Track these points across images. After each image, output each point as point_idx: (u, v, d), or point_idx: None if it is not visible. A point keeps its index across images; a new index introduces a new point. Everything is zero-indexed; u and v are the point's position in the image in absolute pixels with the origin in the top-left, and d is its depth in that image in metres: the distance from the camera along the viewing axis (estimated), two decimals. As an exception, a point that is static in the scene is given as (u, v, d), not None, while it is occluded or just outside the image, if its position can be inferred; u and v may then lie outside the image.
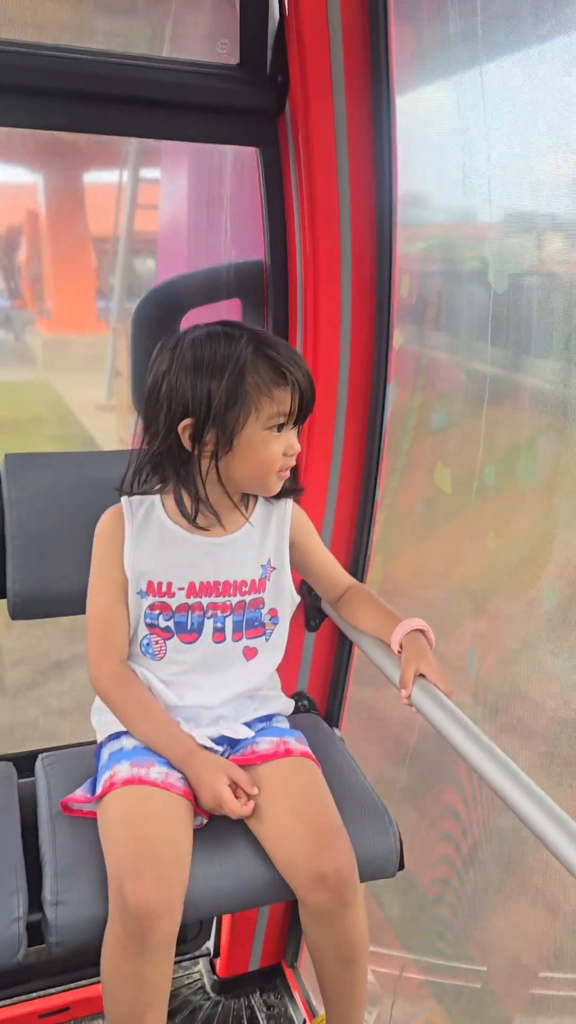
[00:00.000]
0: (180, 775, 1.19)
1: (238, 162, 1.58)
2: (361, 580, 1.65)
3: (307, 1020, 1.79)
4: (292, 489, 1.36)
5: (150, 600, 1.27)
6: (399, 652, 1.27)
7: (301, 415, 1.24)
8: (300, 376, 1.21)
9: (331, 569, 1.43)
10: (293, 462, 1.26)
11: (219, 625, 1.29)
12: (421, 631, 1.28)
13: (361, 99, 1.48)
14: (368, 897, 1.21)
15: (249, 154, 1.58)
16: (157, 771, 1.18)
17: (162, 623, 1.28)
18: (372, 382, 1.59)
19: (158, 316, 1.59)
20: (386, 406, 1.58)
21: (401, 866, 1.26)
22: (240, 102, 1.51)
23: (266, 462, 1.23)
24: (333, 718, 1.74)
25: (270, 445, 1.22)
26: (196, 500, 1.26)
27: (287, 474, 1.27)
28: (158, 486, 1.30)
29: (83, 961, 1.78)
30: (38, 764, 1.38)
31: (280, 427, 1.22)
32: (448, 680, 1.22)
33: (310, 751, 1.29)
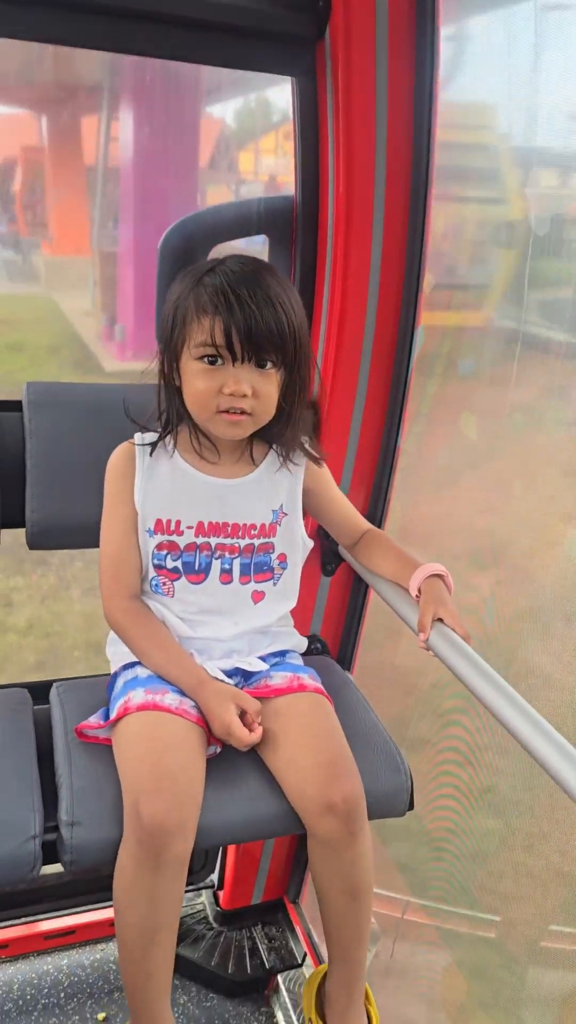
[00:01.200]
0: (194, 703, 1.20)
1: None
2: (379, 527, 1.65)
3: (308, 953, 1.84)
4: (310, 454, 1.33)
5: (158, 539, 1.28)
6: (417, 597, 1.27)
7: (247, 354, 1.17)
8: (240, 311, 1.14)
9: (348, 515, 1.43)
10: (240, 404, 1.18)
11: (226, 567, 1.29)
12: (440, 576, 1.28)
13: (405, 29, 1.43)
14: (375, 840, 1.22)
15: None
16: (171, 698, 1.19)
17: (169, 564, 1.28)
18: (400, 325, 1.56)
19: (184, 249, 1.55)
20: (413, 350, 1.56)
21: (411, 806, 1.28)
22: (277, 27, 1.46)
23: (197, 397, 1.20)
24: (346, 661, 1.75)
25: (199, 378, 1.19)
26: (197, 435, 1.27)
27: (236, 418, 1.20)
28: (170, 426, 1.30)
29: (90, 887, 1.82)
30: (53, 692, 1.40)
31: (213, 360, 1.18)
32: (466, 626, 1.22)
33: (323, 688, 1.30)
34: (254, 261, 1.23)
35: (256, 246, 1.67)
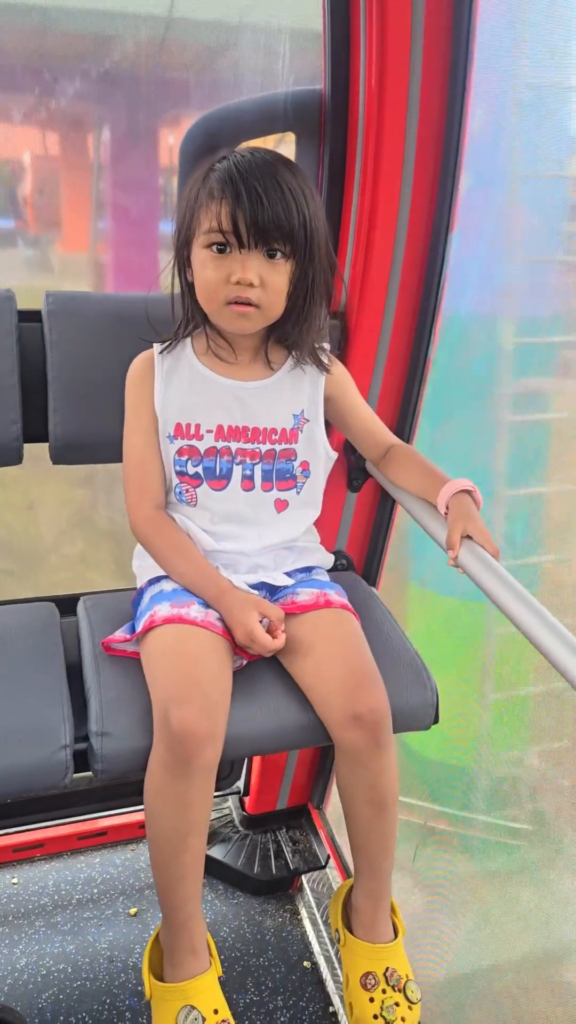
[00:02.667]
0: (218, 615, 1.21)
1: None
2: (408, 442, 1.61)
3: (331, 856, 1.90)
4: (318, 363, 1.30)
5: (179, 444, 1.27)
6: (445, 513, 1.25)
7: (254, 240, 1.14)
8: (247, 196, 1.12)
9: (373, 427, 1.40)
10: (247, 294, 1.16)
11: (248, 472, 1.28)
12: (468, 492, 1.26)
13: None
14: (402, 755, 1.23)
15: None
16: (196, 610, 1.19)
17: (191, 469, 1.27)
18: (433, 230, 1.49)
19: (207, 147, 1.48)
20: (447, 256, 1.49)
21: (436, 719, 1.29)
22: None
23: (205, 287, 1.18)
24: (371, 577, 1.74)
25: (208, 266, 1.17)
26: (213, 335, 1.26)
27: (243, 309, 1.17)
28: (190, 327, 1.28)
29: (119, 792, 1.88)
30: (80, 605, 1.41)
31: (221, 248, 1.15)
32: (495, 543, 1.20)
33: (349, 604, 1.29)
34: (269, 152, 1.19)
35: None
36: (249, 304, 1.17)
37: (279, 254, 1.16)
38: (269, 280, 1.17)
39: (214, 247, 1.16)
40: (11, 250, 2.28)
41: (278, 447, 1.29)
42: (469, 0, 1.36)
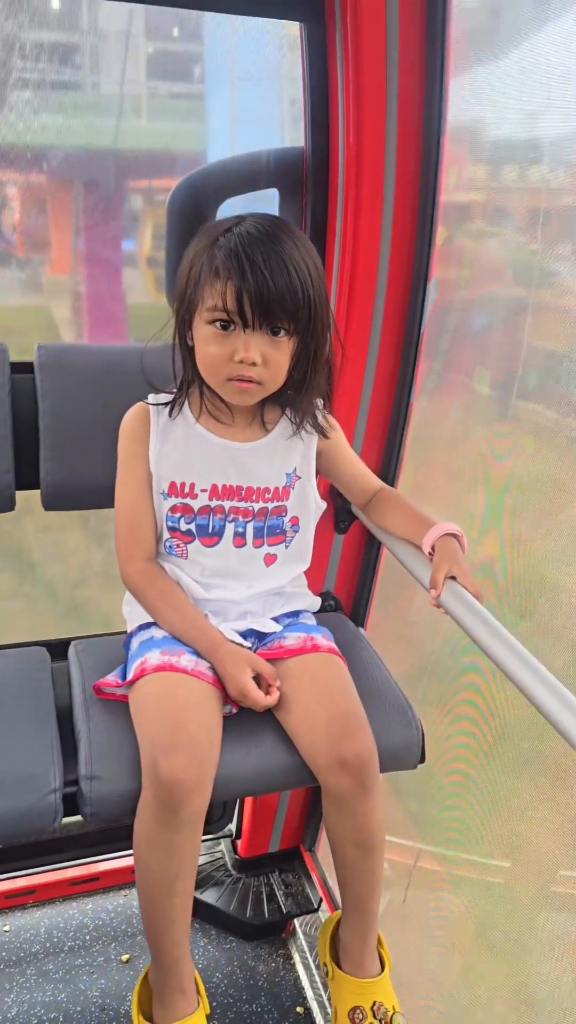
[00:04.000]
0: (209, 664, 1.22)
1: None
2: (392, 485, 1.65)
3: (323, 899, 1.89)
4: (315, 425, 1.32)
5: (172, 501, 1.28)
6: (430, 554, 1.27)
7: (259, 321, 1.14)
8: (253, 276, 1.11)
9: (360, 474, 1.43)
10: (249, 373, 1.17)
11: (240, 530, 1.30)
12: (454, 535, 1.28)
13: (415, -30, 1.38)
14: (388, 794, 1.24)
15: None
16: (187, 659, 1.21)
17: (183, 527, 1.29)
18: (412, 279, 1.54)
19: (193, 204, 1.53)
20: (426, 305, 1.54)
21: (422, 759, 1.30)
22: (286, -29, 1.42)
23: (209, 362, 1.19)
24: (359, 618, 1.76)
25: (210, 343, 1.17)
26: (210, 397, 1.26)
27: (245, 386, 1.18)
28: (188, 388, 1.29)
29: (113, 836, 1.87)
30: (71, 650, 1.42)
31: (224, 325, 1.16)
32: (479, 584, 1.23)
33: (336, 648, 1.31)
34: (273, 222, 1.20)
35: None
36: (251, 381, 1.19)
37: (283, 332, 1.17)
38: (272, 358, 1.18)
39: (217, 323, 1.16)
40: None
41: (270, 505, 1.31)
42: (442, 61, 1.42)
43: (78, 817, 1.18)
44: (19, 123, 1.97)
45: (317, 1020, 1.71)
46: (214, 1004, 1.70)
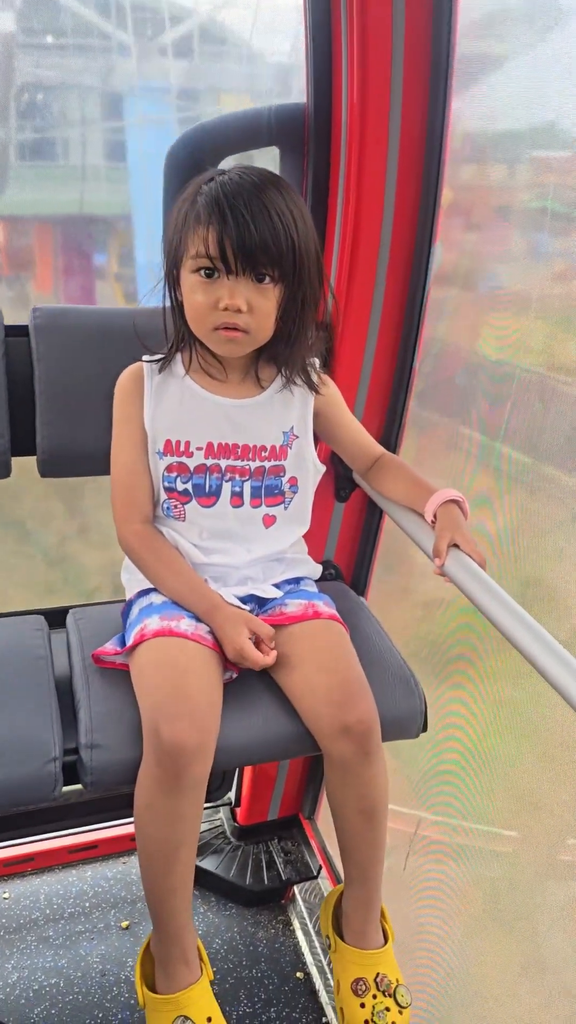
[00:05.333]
0: (208, 628, 1.21)
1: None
2: (394, 452, 1.62)
3: (322, 866, 1.90)
4: (309, 383, 1.30)
5: (168, 460, 1.27)
6: (432, 522, 1.26)
7: (242, 266, 1.13)
8: (234, 221, 1.11)
9: (360, 439, 1.41)
10: (235, 320, 1.15)
11: (237, 489, 1.28)
12: (456, 502, 1.27)
13: None
14: (391, 761, 1.24)
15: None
16: (187, 624, 1.20)
17: (180, 486, 1.27)
18: (416, 242, 1.50)
19: (190, 162, 1.49)
20: (430, 268, 1.51)
21: (425, 727, 1.29)
22: None
23: (194, 311, 1.18)
24: (360, 586, 1.75)
25: (196, 291, 1.16)
26: (203, 353, 1.25)
27: (232, 334, 1.17)
28: (180, 345, 1.28)
29: (111, 805, 1.88)
30: (69, 618, 1.41)
31: (209, 273, 1.14)
32: (482, 551, 1.21)
33: (338, 615, 1.30)
34: (258, 171, 1.18)
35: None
36: (237, 329, 1.17)
37: (267, 279, 1.15)
38: (257, 305, 1.16)
39: (202, 272, 1.15)
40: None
41: (267, 464, 1.30)
42: (448, 13, 1.38)
43: (78, 785, 1.17)
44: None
45: (316, 985, 1.73)
46: (214, 970, 1.71)
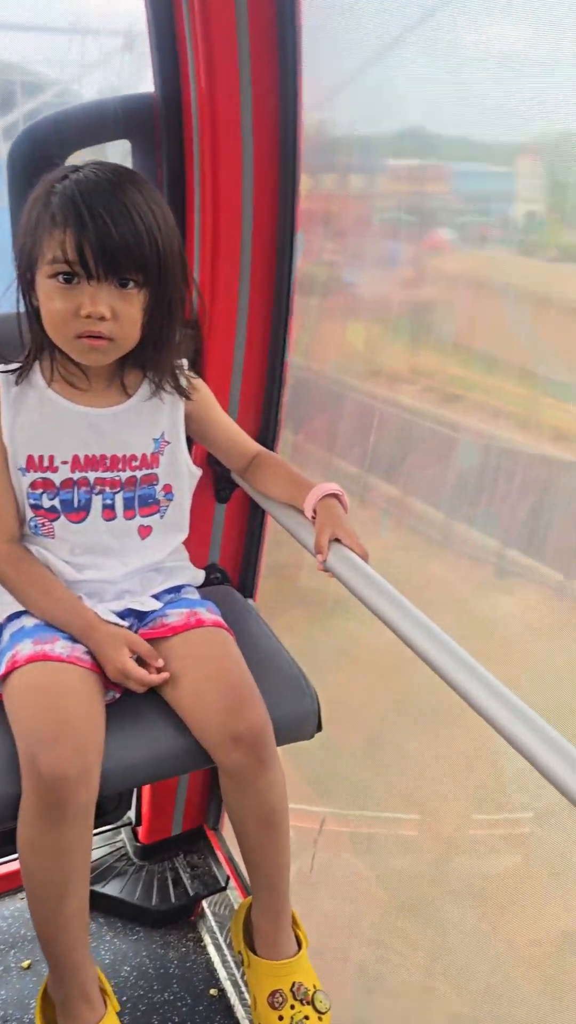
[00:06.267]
0: (86, 649, 1.15)
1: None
2: (271, 449, 1.59)
3: (230, 876, 1.86)
4: (179, 389, 1.25)
5: (32, 476, 1.19)
6: (312, 518, 1.23)
7: (104, 272, 1.06)
8: (93, 223, 1.04)
9: (236, 438, 1.37)
10: (98, 328, 1.08)
11: (108, 502, 1.22)
12: (335, 495, 1.25)
13: None
14: (288, 762, 1.21)
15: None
16: (62, 646, 1.13)
17: (46, 503, 1.20)
18: (279, 230, 1.47)
19: (36, 158, 1.41)
20: (294, 259, 1.48)
21: (319, 727, 1.27)
22: None
23: (53, 319, 1.10)
24: (247, 589, 1.71)
25: (54, 298, 1.08)
26: (63, 361, 1.18)
27: (96, 343, 1.10)
28: (37, 353, 1.20)
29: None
30: None
31: (68, 278, 1.07)
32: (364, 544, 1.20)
33: (222, 621, 1.26)
34: (115, 168, 1.12)
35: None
36: (101, 337, 1.10)
37: (131, 284, 1.09)
38: (122, 312, 1.09)
39: (60, 277, 1.07)
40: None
41: (139, 473, 1.24)
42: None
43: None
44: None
45: (232, 1000, 1.68)
46: (124, 999, 1.64)
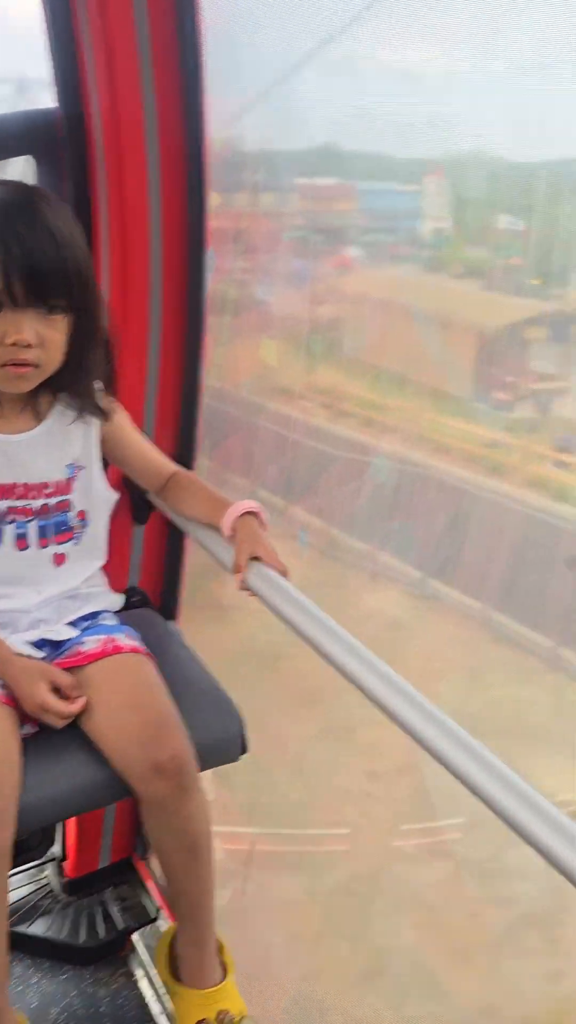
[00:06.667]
0: (0, 683, 1.10)
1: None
2: (189, 468, 1.57)
3: (161, 907, 1.81)
4: (96, 409, 1.21)
5: None
6: (231, 536, 1.21)
7: (30, 298, 1.03)
8: (19, 248, 1.01)
9: (151, 457, 1.35)
10: (24, 356, 1.06)
11: (21, 531, 1.18)
12: (253, 513, 1.23)
13: None
14: (218, 784, 1.18)
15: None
16: None
17: None
18: (189, 247, 1.46)
19: None
20: (205, 276, 1.47)
21: (244, 750, 1.25)
22: None
23: None
24: (168, 610, 1.68)
25: None
26: None
27: (22, 371, 1.07)
28: None
29: None
30: None
31: None
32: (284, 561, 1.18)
33: (141, 646, 1.22)
34: (26, 188, 1.10)
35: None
36: (27, 365, 1.07)
37: (58, 309, 1.06)
38: (48, 338, 1.06)
39: None
40: None
41: (52, 500, 1.20)
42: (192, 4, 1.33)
43: None
44: None
45: (166, 1035, 1.63)
46: (53, 1042, 1.58)
